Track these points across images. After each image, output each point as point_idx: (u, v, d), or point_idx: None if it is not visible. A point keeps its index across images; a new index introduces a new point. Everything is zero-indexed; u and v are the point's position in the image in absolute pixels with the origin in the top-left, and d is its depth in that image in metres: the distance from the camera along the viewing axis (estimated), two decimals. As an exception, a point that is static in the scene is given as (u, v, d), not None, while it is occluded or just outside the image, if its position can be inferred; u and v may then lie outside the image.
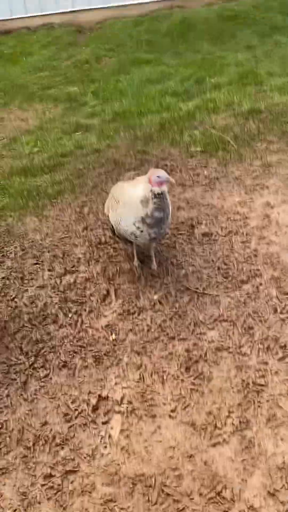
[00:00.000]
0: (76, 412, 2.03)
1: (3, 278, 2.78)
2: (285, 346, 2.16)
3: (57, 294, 2.62)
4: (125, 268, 2.71)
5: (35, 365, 2.25)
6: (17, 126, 4.94)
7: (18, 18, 7.71)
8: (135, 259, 2.69)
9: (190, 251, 2.79)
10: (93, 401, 2.05)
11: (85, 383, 2.13)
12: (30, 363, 2.26)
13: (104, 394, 2.07)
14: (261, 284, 2.49)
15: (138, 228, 2.38)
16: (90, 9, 7.42)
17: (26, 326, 2.45)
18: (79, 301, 2.56)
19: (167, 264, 2.69)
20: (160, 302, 2.47)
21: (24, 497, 1.79)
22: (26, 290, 2.67)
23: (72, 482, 1.81)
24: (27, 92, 5.74)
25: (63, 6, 7.45)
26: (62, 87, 5.77)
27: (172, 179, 2.34)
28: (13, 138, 4.63)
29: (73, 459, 1.88)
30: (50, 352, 2.30)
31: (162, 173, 2.30)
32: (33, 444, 1.94)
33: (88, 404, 2.04)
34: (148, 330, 2.33)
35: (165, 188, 2.31)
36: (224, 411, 1.95)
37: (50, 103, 5.40)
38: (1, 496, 1.80)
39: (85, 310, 2.50)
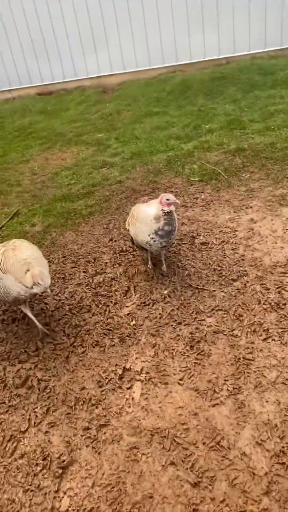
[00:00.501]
0: (107, 380, 2.03)
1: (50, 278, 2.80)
2: (267, 329, 2.15)
3: (90, 290, 2.64)
4: (141, 270, 2.73)
5: (75, 344, 2.26)
6: (58, 164, 5.00)
7: (57, 82, 7.86)
8: (149, 262, 2.70)
9: (191, 256, 2.79)
10: (119, 371, 2.06)
11: (113, 357, 2.14)
12: (71, 342, 2.27)
13: (127, 366, 2.08)
14: (247, 281, 2.49)
15: (152, 238, 2.39)
16: (113, 74, 7.54)
17: (67, 315, 2.47)
18: (106, 295, 2.58)
19: (174, 266, 2.70)
20: (169, 296, 2.48)
21: (68, 444, 1.80)
22: (67, 287, 2.69)
23: (104, 433, 1.81)
24: (65, 139, 5.81)
25: (91, 72, 7.58)
26: (92, 134, 5.84)
27: (178, 201, 2.35)
28: (55, 173, 4.69)
29: (105, 416, 1.89)
30: (86, 334, 2.31)
31: (170, 197, 2.31)
32: (74, 404, 1.96)
33: (115, 374, 2.05)
34: (160, 317, 2.34)
35: (172, 208, 2.33)
36: (221, 380, 1.95)
37: (83, 146, 5.46)
38: (51, 443, 1.81)
39: (111, 302, 2.52)
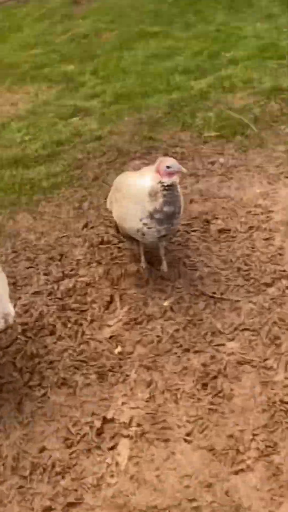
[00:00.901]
0: (78, 437, 2.03)
1: (-7, 284, 2.79)
2: None
3: (54, 302, 2.63)
4: (131, 271, 2.72)
5: (31, 383, 2.25)
6: (6, 111, 4.95)
7: (5, -12, 7.75)
8: (143, 260, 2.70)
9: (205, 250, 2.79)
10: (97, 423, 2.05)
11: (88, 403, 2.14)
12: (25, 380, 2.26)
13: (109, 415, 2.08)
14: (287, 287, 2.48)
15: (145, 224, 2.39)
16: (88, -24, 7.44)
17: (19, 339, 2.46)
18: (79, 309, 2.57)
19: (179, 265, 2.70)
20: (171, 309, 2.48)
21: (20, 533, 1.79)
22: (19, 298, 2.67)
23: (74, 516, 1.81)
24: (17, 73, 5.76)
25: (56, -26, 7.46)
26: (57, 65, 5.79)
27: (183, 168, 2.35)
28: (2, 125, 4.65)
29: (76, 490, 1.87)
30: (48, 368, 2.30)
31: (172, 162, 2.30)
32: (30, 473, 1.95)
33: (91, 427, 2.05)
34: (158, 342, 2.34)
35: (175, 179, 2.32)
36: (248, 434, 1.94)
37: (43, 84, 5.42)
38: (-5, 532, 1.80)
39: (86, 319, 2.51)
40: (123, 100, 4.62)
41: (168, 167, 2.29)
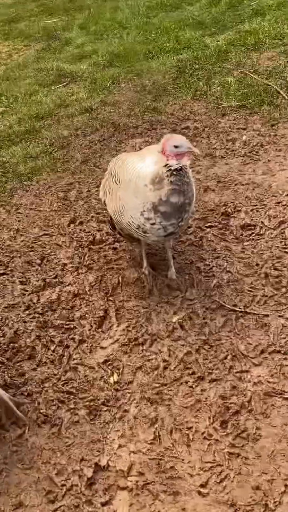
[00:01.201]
0: (64, 489, 2.02)
1: None
2: None
3: (34, 318, 2.63)
4: (130, 278, 2.73)
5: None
6: (-27, 76, 4.97)
7: None
8: (145, 264, 2.70)
9: (224, 251, 2.79)
10: (88, 472, 2.04)
11: (76, 446, 2.13)
12: (-3, 417, 2.26)
13: (103, 462, 2.07)
14: None
15: (148, 219, 2.39)
16: None
17: (-10, 365, 2.46)
18: (64, 326, 2.57)
19: (191, 271, 2.70)
20: (181, 327, 2.48)
21: None
22: (-11, 313, 2.69)
23: None
24: (-14, 28, 5.77)
25: None
26: (36, 18, 5.80)
27: (195, 149, 2.34)
28: None
29: None
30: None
31: (181, 141, 2.30)
32: (3, 536, 1.95)
33: (80, 477, 2.04)
34: (165, 368, 2.33)
35: (186, 161, 2.32)
36: (279, 485, 1.93)
37: (20, 42, 5.44)
38: None
39: (73, 339, 2.51)
40: (120, 62, 4.65)
41: (176, 146, 2.29)
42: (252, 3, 5.11)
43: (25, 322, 2.62)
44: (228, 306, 2.52)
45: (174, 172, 2.30)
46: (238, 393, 2.20)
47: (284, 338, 2.37)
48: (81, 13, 5.73)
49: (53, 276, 2.83)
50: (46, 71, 4.78)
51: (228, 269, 2.69)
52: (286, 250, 2.76)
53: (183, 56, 4.53)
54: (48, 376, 2.38)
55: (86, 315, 2.60)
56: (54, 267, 2.87)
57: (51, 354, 2.46)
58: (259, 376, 2.24)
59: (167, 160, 2.31)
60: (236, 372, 2.28)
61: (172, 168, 2.30)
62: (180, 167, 2.30)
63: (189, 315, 2.51)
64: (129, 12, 5.49)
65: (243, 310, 2.50)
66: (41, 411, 2.25)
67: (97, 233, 3.00)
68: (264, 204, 3.01)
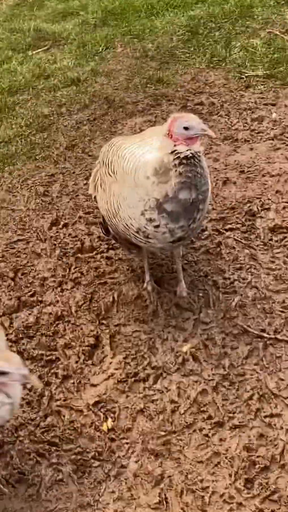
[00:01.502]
0: None
1: None
2: None
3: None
4: (128, 296, 2.72)
5: None
6: None
7: None
8: (147, 278, 2.70)
9: (248, 260, 2.79)
10: None
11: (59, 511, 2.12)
12: None
13: (95, 532, 2.06)
14: None
15: (150, 221, 2.38)
16: None
17: None
18: (45, 358, 2.57)
19: (206, 286, 2.70)
20: (193, 358, 2.47)
21: None
22: None
23: None
24: None
25: None
26: None
27: (210, 131, 2.33)
28: None
29: None
30: (-5, 454, 2.29)
31: (193, 121, 2.29)
32: None
33: None
34: (173, 411, 2.33)
35: (198, 147, 2.31)
36: None
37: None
38: None
39: (56, 375, 2.51)
40: (116, 21, 4.66)
41: (186, 128, 2.28)
42: None
43: (-6, 353, 2.61)
44: (254, 332, 2.52)
45: (184, 161, 2.29)
46: (267, 443, 2.19)
47: None
48: None
49: (30, 293, 2.82)
50: (22, 33, 4.79)
51: (253, 283, 2.69)
52: None
53: (195, 12, 4.54)
54: (23, 422, 2.37)
55: (73, 343, 2.59)
56: (32, 282, 2.87)
57: (28, 394, 2.44)
58: (295, 421, 2.24)
59: (175, 145, 2.30)
60: (265, 416, 2.27)
61: (182, 155, 2.28)
62: (191, 154, 2.29)
63: (204, 342, 2.51)
64: None
65: (273, 336, 2.50)
66: (15, 466, 2.24)
67: (86, 238, 2.99)
68: (299, 201, 3.01)
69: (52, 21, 4.85)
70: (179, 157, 2.29)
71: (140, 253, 2.70)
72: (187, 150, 2.28)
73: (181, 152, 2.29)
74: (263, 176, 3.17)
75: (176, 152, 2.29)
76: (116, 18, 4.68)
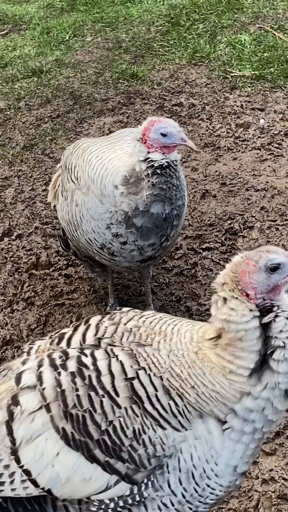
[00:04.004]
0: None
1: None
2: None
3: None
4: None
5: None
6: None
7: None
8: (111, 300, 2.66)
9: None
10: None
11: None
12: None
13: None
14: None
15: (117, 236, 2.33)
16: None
17: None
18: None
19: (177, 312, 2.63)
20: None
21: None
22: None
23: None
24: None
25: None
26: None
27: (191, 142, 2.29)
28: None
29: None
30: None
31: (172, 128, 2.23)
32: None
33: None
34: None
35: (175, 155, 2.26)
36: None
37: None
38: None
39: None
40: (86, 5, 4.66)
41: (164, 135, 2.22)
42: None
43: None
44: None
45: (158, 171, 2.23)
46: (241, 494, 2.13)
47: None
48: None
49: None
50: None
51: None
52: None
53: (177, 1, 4.52)
54: None
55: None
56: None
57: None
58: (271, 470, 2.19)
59: (149, 152, 2.24)
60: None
61: (156, 164, 2.23)
62: (167, 164, 2.24)
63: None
64: None
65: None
66: None
67: (43, 253, 2.93)
68: (287, 220, 2.97)
69: (13, 2, 4.85)
70: (153, 165, 2.23)
71: (104, 272, 2.64)
72: (162, 159, 2.24)
73: (155, 161, 2.23)
74: (247, 190, 3.14)
75: (149, 160, 2.24)
76: (87, 2, 4.69)
